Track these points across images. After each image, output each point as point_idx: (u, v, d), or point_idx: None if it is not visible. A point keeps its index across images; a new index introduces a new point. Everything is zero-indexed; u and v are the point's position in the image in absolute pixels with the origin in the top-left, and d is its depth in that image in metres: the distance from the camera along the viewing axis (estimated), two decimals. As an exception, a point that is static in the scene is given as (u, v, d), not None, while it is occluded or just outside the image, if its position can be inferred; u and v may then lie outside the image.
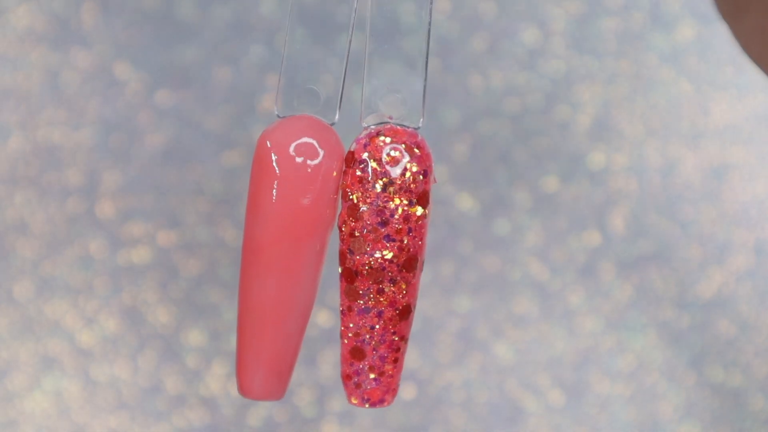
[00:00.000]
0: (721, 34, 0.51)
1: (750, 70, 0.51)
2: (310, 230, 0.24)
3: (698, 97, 0.50)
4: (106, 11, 0.49)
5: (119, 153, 0.48)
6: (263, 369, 0.25)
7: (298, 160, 0.24)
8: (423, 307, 0.48)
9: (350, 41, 0.25)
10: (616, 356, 0.48)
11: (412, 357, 0.47)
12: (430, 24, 0.25)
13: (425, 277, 0.48)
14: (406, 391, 0.47)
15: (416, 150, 0.24)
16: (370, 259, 0.24)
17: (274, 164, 0.24)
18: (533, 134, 0.49)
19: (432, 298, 0.48)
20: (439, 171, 0.49)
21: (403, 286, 0.24)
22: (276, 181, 0.24)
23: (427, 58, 0.25)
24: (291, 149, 0.24)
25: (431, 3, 0.24)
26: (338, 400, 0.47)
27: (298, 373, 0.47)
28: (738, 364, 0.48)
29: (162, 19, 0.49)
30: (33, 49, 0.48)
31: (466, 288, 0.48)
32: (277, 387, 0.26)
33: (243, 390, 0.26)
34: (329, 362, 0.47)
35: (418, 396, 0.47)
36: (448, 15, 0.51)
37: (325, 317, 0.47)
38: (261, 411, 0.46)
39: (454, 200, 0.49)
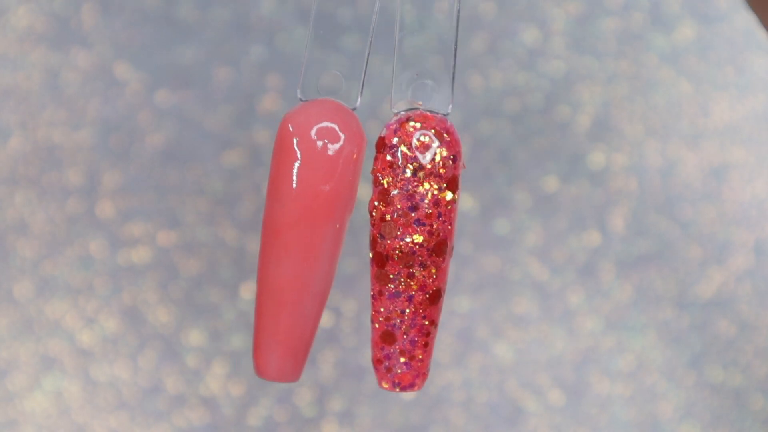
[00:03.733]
0: (721, 34, 0.51)
1: (750, 69, 0.51)
2: (329, 214, 0.24)
3: (698, 97, 0.50)
4: (106, 11, 0.49)
5: (119, 153, 0.48)
6: (279, 350, 0.25)
7: (319, 143, 0.24)
8: (423, 307, 0.48)
9: (373, 27, 0.25)
10: (616, 356, 0.48)
11: (412, 357, 0.47)
12: (458, 11, 0.25)
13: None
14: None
15: (445, 135, 0.24)
16: (401, 243, 0.24)
17: (296, 147, 0.24)
18: (533, 134, 0.49)
19: (432, 298, 0.48)
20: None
21: (433, 271, 0.24)
22: (296, 164, 0.24)
23: (456, 45, 0.25)
24: (312, 133, 0.24)
25: None
26: (338, 400, 0.47)
27: (298, 373, 0.47)
28: (738, 364, 0.48)
29: (162, 19, 0.49)
30: (33, 49, 0.48)
31: (466, 288, 0.48)
32: (292, 368, 0.26)
33: (259, 370, 0.26)
34: (329, 362, 0.47)
35: (418, 396, 0.47)
36: (447, 14, 0.51)
37: (324, 318, 0.47)
38: (261, 411, 0.46)
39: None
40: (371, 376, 0.47)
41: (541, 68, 0.50)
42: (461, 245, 0.48)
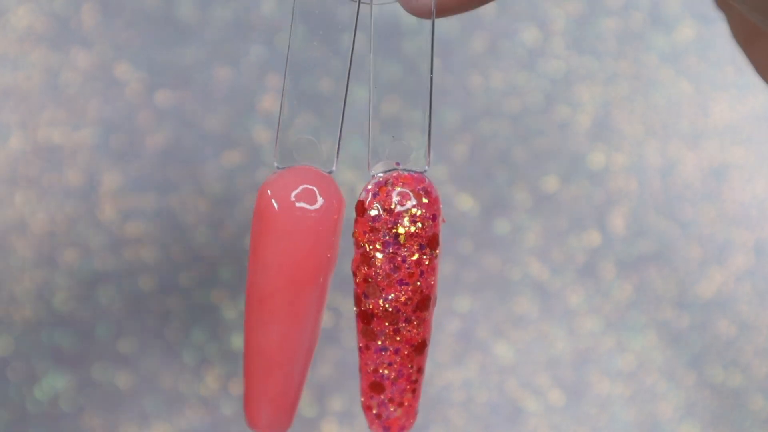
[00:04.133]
0: (720, 34, 0.51)
1: (749, 70, 0.51)
2: (312, 278, 0.25)
3: (698, 97, 0.50)
4: (106, 11, 0.49)
5: (119, 153, 0.48)
6: (270, 406, 0.26)
7: (299, 206, 0.24)
8: (423, 307, 0.48)
9: (346, 92, 0.25)
10: (615, 356, 0.48)
11: (412, 357, 0.47)
12: (432, 71, 0.25)
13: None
14: (406, 391, 0.47)
15: (424, 196, 0.24)
16: (385, 302, 0.25)
17: (275, 214, 0.24)
18: (533, 134, 0.49)
19: (432, 298, 0.48)
20: (439, 171, 0.49)
21: (417, 323, 0.25)
22: (277, 232, 0.24)
23: (430, 105, 0.25)
24: (291, 198, 0.24)
25: (431, 53, 0.24)
26: (338, 400, 0.47)
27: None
28: (738, 364, 0.48)
29: (162, 19, 0.49)
30: (33, 49, 0.48)
31: (466, 288, 0.48)
32: (283, 420, 0.26)
33: (251, 424, 0.26)
34: (329, 362, 0.47)
35: (418, 396, 0.47)
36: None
37: (324, 317, 0.47)
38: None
39: (454, 200, 0.49)
40: (371, 376, 0.47)
41: (541, 68, 0.50)
42: (461, 245, 0.48)
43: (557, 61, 0.50)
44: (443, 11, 0.22)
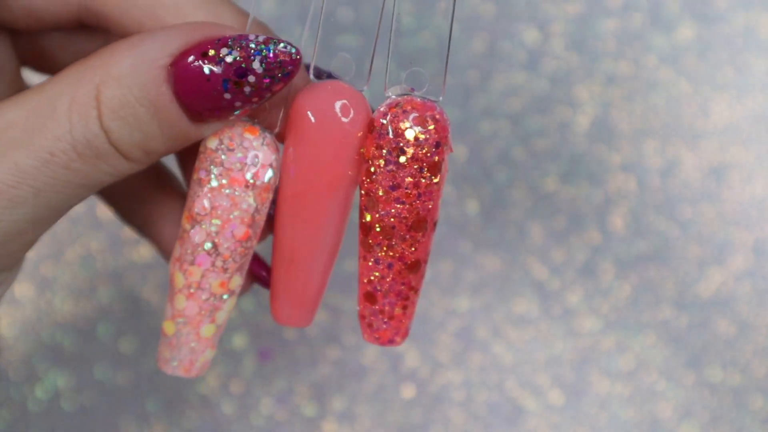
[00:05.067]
0: (720, 34, 0.51)
1: (749, 70, 0.51)
2: (332, 185, 0.26)
3: (697, 97, 0.50)
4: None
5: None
6: (294, 301, 0.28)
7: (330, 118, 0.25)
8: (423, 307, 0.48)
9: (381, 17, 0.27)
10: (615, 356, 0.48)
11: (411, 356, 0.47)
12: (454, 3, 0.26)
13: (425, 276, 0.48)
14: (406, 390, 0.47)
15: (430, 121, 0.25)
16: (382, 218, 0.26)
17: (308, 121, 0.25)
18: (533, 134, 0.50)
19: (432, 298, 0.48)
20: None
21: (411, 243, 0.26)
22: (310, 139, 0.25)
23: (450, 35, 0.27)
24: (324, 109, 0.25)
25: None
26: (338, 400, 0.47)
27: (298, 373, 0.47)
28: (737, 364, 0.48)
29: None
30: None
31: (466, 288, 0.48)
32: (303, 315, 0.28)
33: (276, 318, 0.28)
34: (329, 362, 0.47)
35: (418, 395, 0.47)
36: (448, 15, 0.51)
37: (324, 317, 0.47)
38: (262, 410, 0.47)
39: (454, 200, 0.49)
40: (371, 376, 0.47)
41: (541, 68, 0.50)
42: (461, 245, 0.48)
43: (557, 61, 0.50)
44: None
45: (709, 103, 0.50)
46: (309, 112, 0.25)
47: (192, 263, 0.25)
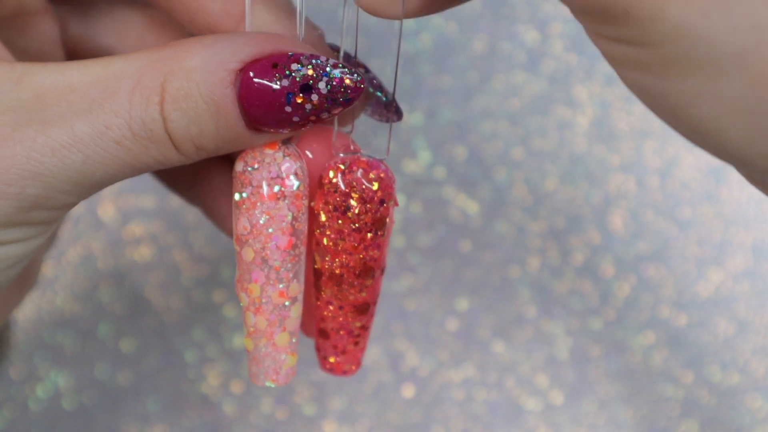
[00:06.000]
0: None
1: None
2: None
3: (696, 97, 0.51)
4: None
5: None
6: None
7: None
8: (423, 307, 0.48)
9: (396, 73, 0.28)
10: (614, 356, 0.48)
11: (411, 356, 0.48)
12: (396, 71, 0.27)
13: (424, 276, 0.48)
14: (406, 390, 0.47)
15: (375, 180, 0.27)
16: (332, 266, 0.28)
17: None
18: (533, 134, 0.50)
19: (432, 297, 0.48)
20: (439, 171, 0.49)
21: (359, 288, 0.28)
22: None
23: (394, 97, 0.28)
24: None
25: (398, 53, 0.26)
26: (339, 399, 0.47)
27: (298, 373, 0.47)
28: (736, 364, 0.48)
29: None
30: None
31: (466, 288, 0.48)
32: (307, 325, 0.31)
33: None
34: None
35: (418, 395, 0.47)
36: (447, 16, 0.51)
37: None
38: (262, 409, 0.47)
39: (454, 200, 0.49)
40: (371, 375, 0.47)
41: (541, 69, 0.50)
42: (461, 245, 0.49)
43: (556, 61, 0.50)
44: (408, 14, 0.24)
45: (708, 103, 0.50)
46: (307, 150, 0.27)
47: (250, 281, 0.26)
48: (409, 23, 0.51)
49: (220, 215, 0.32)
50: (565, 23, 0.51)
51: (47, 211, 0.24)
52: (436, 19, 0.51)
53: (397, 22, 0.25)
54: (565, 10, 0.51)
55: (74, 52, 0.30)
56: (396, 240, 0.48)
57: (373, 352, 0.47)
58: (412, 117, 0.50)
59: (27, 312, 0.47)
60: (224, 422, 0.46)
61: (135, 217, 0.48)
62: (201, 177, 0.32)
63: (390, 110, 0.29)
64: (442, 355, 0.48)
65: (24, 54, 0.29)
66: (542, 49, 0.50)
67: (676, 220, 0.49)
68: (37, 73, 0.24)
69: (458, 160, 0.49)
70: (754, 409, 0.48)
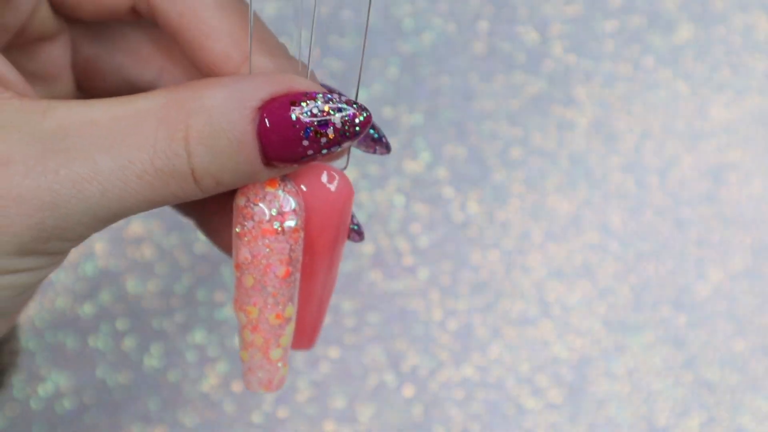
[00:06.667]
0: (718, 35, 0.51)
1: (747, 71, 0.51)
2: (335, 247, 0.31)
3: (695, 98, 0.51)
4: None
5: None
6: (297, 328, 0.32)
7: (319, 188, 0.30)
8: (423, 307, 0.48)
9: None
10: (613, 355, 0.48)
11: (411, 356, 0.48)
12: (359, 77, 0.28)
13: (424, 276, 0.48)
14: (406, 390, 0.47)
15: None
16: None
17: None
18: (533, 134, 0.50)
19: (432, 297, 0.48)
20: (439, 171, 0.49)
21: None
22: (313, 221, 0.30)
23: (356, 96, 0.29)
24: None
25: (361, 62, 0.28)
26: (339, 399, 0.47)
27: (298, 371, 0.47)
28: (735, 364, 0.48)
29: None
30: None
31: (466, 288, 0.48)
32: (306, 341, 0.33)
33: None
34: (330, 361, 0.47)
35: (418, 394, 0.47)
36: (447, 16, 0.51)
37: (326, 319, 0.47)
38: (263, 408, 0.47)
39: (454, 200, 0.49)
40: (371, 375, 0.47)
41: (541, 69, 0.50)
42: (461, 245, 0.49)
43: (556, 62, 0.50)
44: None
45: (708, 103, 0.51)
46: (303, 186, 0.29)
47: (249, 304, 0.29)
48: (409, 23, 0.51)
49: (213, 230, 0.33)
50: (565, 24, 0.51)
51: (63, 242, 0.25)
52: (436, 20, 0.51)
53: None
54: (564, 11, 0.51)
55: (84, 71, 0.31)
56: (396, 240, 0.49)
57: (373, 352, 0.47)
58: (412, 117, 0.50)
59: (28, 312, 0.47)
60: (225, 421, 0.46)
61: (136, 217, 0.48)
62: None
63: (380, 144, 0.30)
64: (442, 355, 0.48)
65: (32, 77, 0.29)
66: (542, 49, 0.51)
67: (676, 220, 0.49)
68: (62, 108, 0.24)
69: (458, 160, 0.49)
70: (754, 409, 0.48)
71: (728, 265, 0.49)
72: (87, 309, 0.47)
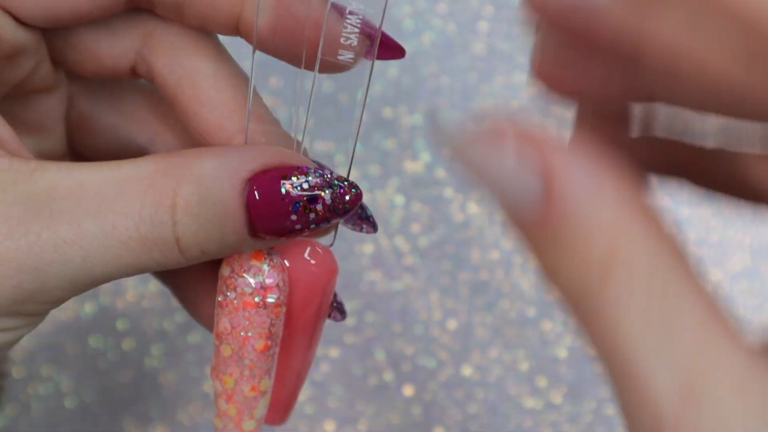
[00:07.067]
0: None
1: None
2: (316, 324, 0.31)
3: (695, 98, 0.51)
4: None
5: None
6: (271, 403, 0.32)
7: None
8: (423, 307, 0.48)
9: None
10: (614, 355, 0.48)
11: (412, 356, 0.48)
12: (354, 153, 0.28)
13: (424, 276, 0.48)
14: (406, 390, 0.47)
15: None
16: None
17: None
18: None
19: (432, 297, 0.48)
20: (439, 171, 0.49)
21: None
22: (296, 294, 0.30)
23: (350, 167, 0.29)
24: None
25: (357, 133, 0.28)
26: (339, 399, 0.47)
27: (299, 372, 0.47)
28: (735, 363, 0.48)
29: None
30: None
31: (465, 288, 0.48)
32: (280, 416, 0.32)
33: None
34: (330, 360, 0.47)
35: (418, 394, 0.47)
36: (447, 16, 0.51)
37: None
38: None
39: (454, 200, 0.49)
40: (371, 375, 0.47)
41: (540, 70, 0.50)
42: (461, 245, 0.49)
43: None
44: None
45: (707, 104, 0.51)
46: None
47: (225, 373, 0.28)
48: (409, 23, 0.51)
49: (190, 300, 0.33)
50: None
51: (40, 304, 0.25)
52: (436, 20, 0.51)
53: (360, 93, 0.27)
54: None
55: (78, 126, 0.30)
56: (396, 240, 0.49)
57: (373, 352, 0.47)
58: (412, 117, 0.50)
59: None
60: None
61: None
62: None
63: (367, 223, 0.30)
64: (442, 355, 0.48)
65: (24, 126, 0.29)
66: (542, 49, 0.51)
67: (675, 219, 0.50)
68: (50, 169, 0.24)
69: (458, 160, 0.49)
70: (753, 408, 0.48)
71: (727, 265, 0.49)
72: (87, 309, 0.47)
